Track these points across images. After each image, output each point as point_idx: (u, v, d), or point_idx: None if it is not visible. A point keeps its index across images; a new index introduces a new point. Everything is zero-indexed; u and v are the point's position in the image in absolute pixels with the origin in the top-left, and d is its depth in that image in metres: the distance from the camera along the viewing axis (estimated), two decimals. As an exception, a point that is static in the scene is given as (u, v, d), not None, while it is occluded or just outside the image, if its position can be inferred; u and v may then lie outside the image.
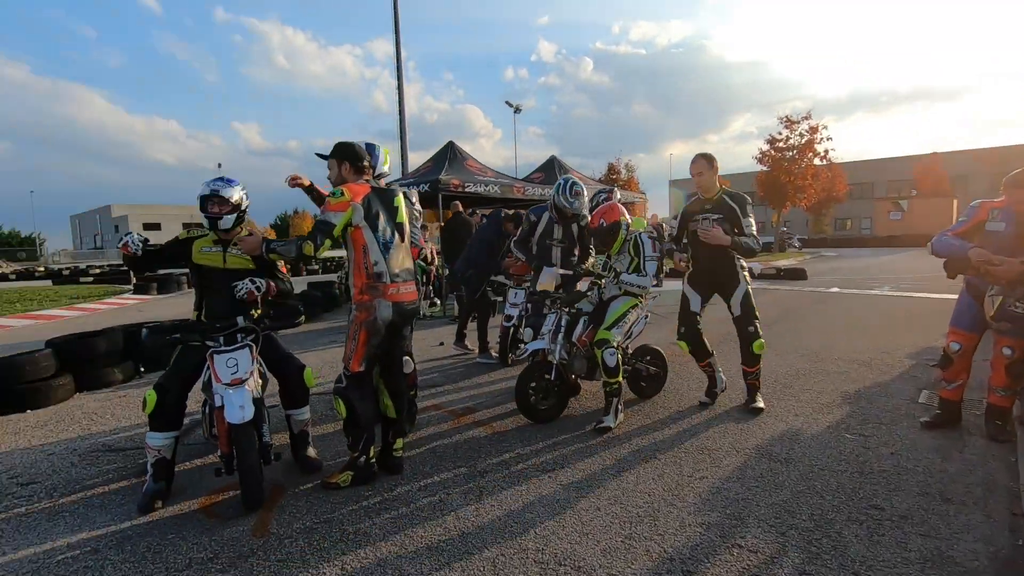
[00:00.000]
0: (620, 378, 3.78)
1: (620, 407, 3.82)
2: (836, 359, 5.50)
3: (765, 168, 28.95)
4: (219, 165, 64.25)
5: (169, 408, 2.82)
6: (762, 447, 3.35)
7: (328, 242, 2.75)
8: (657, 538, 2.41)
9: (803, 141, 27.66)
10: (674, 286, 13.74)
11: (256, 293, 2.98)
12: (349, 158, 2.98)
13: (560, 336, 3.92)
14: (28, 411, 4.49)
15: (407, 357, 3.80)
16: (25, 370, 4.57)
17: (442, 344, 6.80)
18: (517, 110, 38.45)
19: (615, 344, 3.77)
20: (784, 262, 19.99)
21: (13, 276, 29.14)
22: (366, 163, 3.03)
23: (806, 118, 27.56)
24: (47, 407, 4.60)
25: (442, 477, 3.06)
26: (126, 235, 2.96)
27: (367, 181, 3.01)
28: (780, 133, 28.14)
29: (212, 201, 3.00)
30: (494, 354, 5.78)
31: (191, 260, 3.09)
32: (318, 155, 3.11)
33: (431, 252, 10.28)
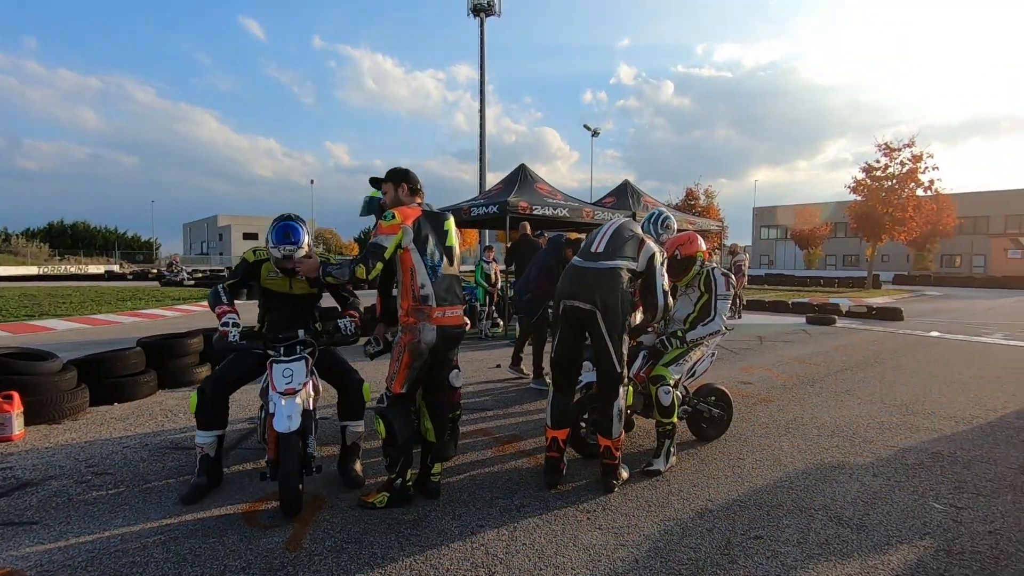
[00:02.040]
0: (675, 419, 3.56)
1: (673, 450, 3.59)
2: (929, 414, 4.91)
3: (859, 198, 27.02)
4: (312, 182, 69.08)
5: (209, 408, 2.98)
6: (831, 508, 3.02)
7: (380, 265, 2.80)
8: (697, 602, 2.20)
9: (904, 170, 25.59)
10: (754, 320, 13.11)
11: (358, 322, 3.21)
12: (406, 180, 3.05)
13: None
14: (115, 404, 4.90)
15: (456, 370, 3.81)
16: (116, 366, 4.99)
17: (498, 367, 6.77)
18: (595, 133, 38.56)
19: (672, 382, 3.56)
20: (877, 300, 18.42)
21: (130, 276, 32.52)
22: (420, 185, 3.08)
23: (908, 145, 25.54)
24: (132, 401, 5.00)
25: (477, 507, 2.99)
26: (228, 324, 2.99)
27: (419, 204, 3.05)
28: (878, 161, 26.24)
29: (287, 261, 3.10)
30: (548, 381, 5.64)
31: (259, 282, 3.27)
32: (372, 180, 3.20)
33: (495, 273, 10.38)
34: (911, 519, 2.92)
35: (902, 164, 25.66)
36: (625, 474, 3.34)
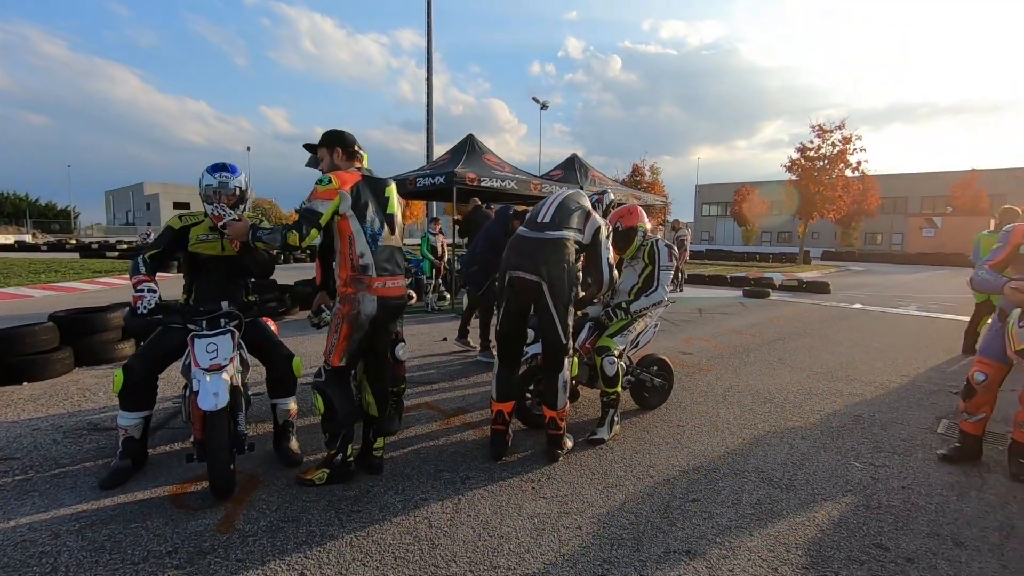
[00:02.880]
0: (619, 388, 3.61)
1: (617, 419, 3.65)
2: (852, 380, 5.24)
3: (794, 177, 28.26)
4: (248, 149, 65.19)
5: (136, 388, 2.77)
6: (763, 471, 3.16)
7: (315, 231, 2.64)
8: (638, 565, 2.25)
9: (835, 151, 26.90)
10: (695, 293, 13.49)
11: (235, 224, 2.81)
12: (340, 144, 2.87)
13: None
14: (24, 384, 4.50)
15: (401, 343, 3.69)
16: (24, 342, 4.57)
17: (445, 339, 6.70)
18: (544, 107, 38.21)
19: (616, 353, 3.60)
20: (807, 274, 19.47)
21: (44, 247, 29.99)
22: (357, 147, 2.92)
23: (839, 127, 26.80)
24: (44, 381, 4.61)
25: (422, 481, 2.94)
26: (143, 291, 2.79)
27: (359, 169, 2.89)
28: (812, 142, 27.42)
29: (221, 194, 2.92)
30: (495, 353, 5.65)
31: (187, 248, 3.02)
32: (306, 146, 3.00)
33: (441, 245, 10.20)
34: (835, 478, 3.10)
35: (833, 145, 26.94)
36: (570, 443, 3.37)
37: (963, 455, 3.34)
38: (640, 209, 4.04)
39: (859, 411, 4.30)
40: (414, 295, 8.86)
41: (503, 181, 10.32)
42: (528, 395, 3.72)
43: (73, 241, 33.30)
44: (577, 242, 3.26)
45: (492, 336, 5.92)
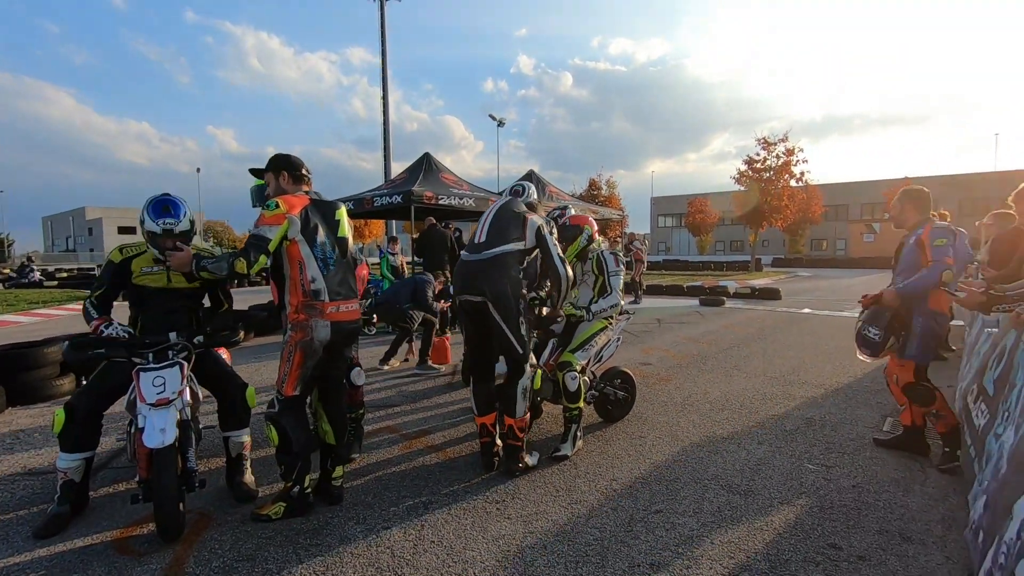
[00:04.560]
0: (581, 404, 3.64)
1: (580, 434, 3.67)
2: (803, 383, 5.43)
3: (743, 188, 29.38)
4: (198, 170, 63.17)
5: (78, 428, 2.61)
6: (722, 477, 3.23)
7: (264, 258, 2.57)
8: (603, 581, 2.26)
9: (780, 163, 28.15)
10: (653, 303, 13.70)
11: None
12: (287, 167, 2.82)
13: None
14: (-50, 427, 4.18)
15: (357, 368, 3.63)
16: (-51, 383, 4.26)
17: (407, 360, 6.62)
18: (500, 124, 38.62)
19: (578, 368, 3.64)
20: (759, 282, 20.18)
21: (-27, 278, 28.10)
22: (305, 171, 2.88)
23: (783, 140, 28.09)
24: (-28, 423, 4.30)
25: (383, 508, 2.87)
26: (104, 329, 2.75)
27: (307, 192, 2.85)
28: (758, 154, 28.62)
29: (167, 238, 2.79)
30: (431, 363, 6.07)
31: (130, 280, 2.89)
32: (252, 171, 2.94)
33: (401, 264, 10.11)
34: (790, 480, 3.20)
35: (777, 157, 28.19)
36: (531, 461, 3.37)
37: (900, 443, 3.64)
38: (591, 219, 4.15)
39: (811, 413, 4.46)
40: (376, 318, 8.79)
41: (461, 199, 10.35)
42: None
43: (7, 270, 31.37)
44: (520, 250, 3.30)
45: (455, 357, 6.01)
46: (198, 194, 65.67)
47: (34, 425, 4.27)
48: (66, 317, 11.47)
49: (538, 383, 3.57)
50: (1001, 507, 1.96)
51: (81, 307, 2.84)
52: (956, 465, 3.25)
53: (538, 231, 3.34)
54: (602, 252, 4.02)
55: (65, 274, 26.90)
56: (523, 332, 3.24)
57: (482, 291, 3.15)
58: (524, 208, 3.43)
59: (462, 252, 3.43)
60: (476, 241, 3.33)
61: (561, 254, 3.45)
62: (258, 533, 2.62)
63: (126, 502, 2.89)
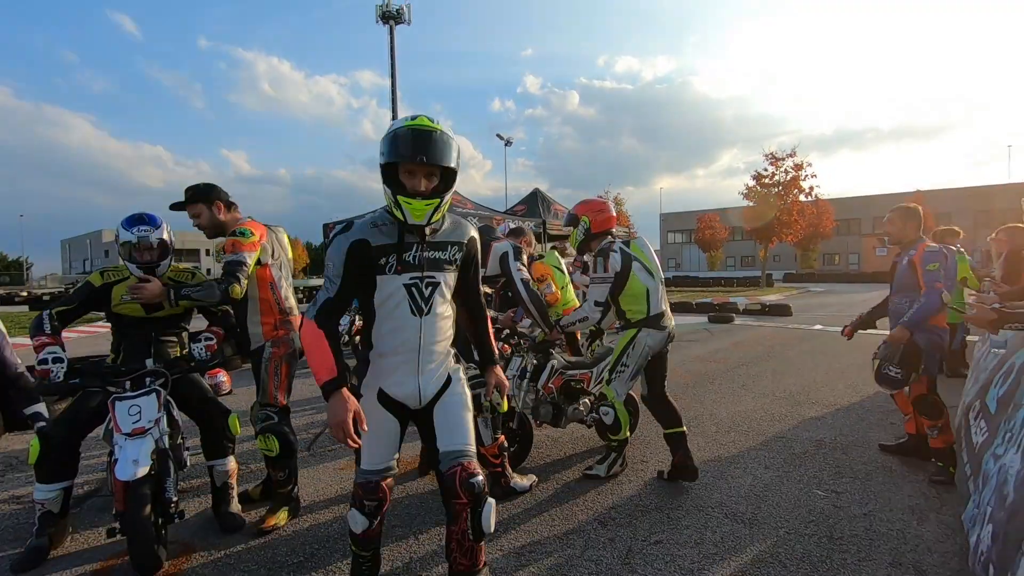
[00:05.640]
0: (625, 434, 3.53)
1: (621, 462, 3.59)
2: (813, 403, 5.27)
3: (751, 203, 29.23)
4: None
5: (54, 458, 2.55)
6: (726, 505, 3.10)
7: (245, 283, 2.67)
8: (596, 619, 2.13)
9: (788, 178, 28.01)
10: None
11: (214, 348, 2.98)
12: (219, 197, 2.92)
13: (525, 382, 3.70)
14: (-56, 454, 4.16)
15: None
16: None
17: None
18: (508, 143, 38.96)
19: (614, 402, 3.46)
20: (769, 298, 19.92)
21: (-9, 301, 28.52)
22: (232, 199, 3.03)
23: (791, 155, 27.99)
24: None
25: (372, 539, 2.77)
26: (47, 362, 2.60)
27: (250, 218, 3.00)
28: (766, 170, 28.52)
29: (140, 248, 2.79)
30: None
31: (110, 308, 2.86)
32: (174, 207, 2.93)
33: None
34: (797, 508, 3.05)
35: (786, 172, 28.07)
36: (523, 484, 3.28)
37: (906, 449, 3.71)
38: (607, 206, 3.65)
39: (821, 435, 4.31)
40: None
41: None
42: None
43: (24, 293, 31.84)
44: (484, 279, 3.24)
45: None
46: (211, 216, 66.44)
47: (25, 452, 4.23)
48: (74, 339, 11.55)
49: (504, 407, 3.29)
50: (1013, 539, 1.83)
51: (43, 320, 2.72)
52: (948, 480, 3.26)
53: (503, 257, 3.48)
54: (600, 252, 3.47)
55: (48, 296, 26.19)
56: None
57: None
58: (488, 238, 3.54)
59: None
60: None
61: (526, 277, 3.49)
62: (240, 566, 2.53)
63: (101, 533, 2.82)
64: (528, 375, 3.71)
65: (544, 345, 3.90)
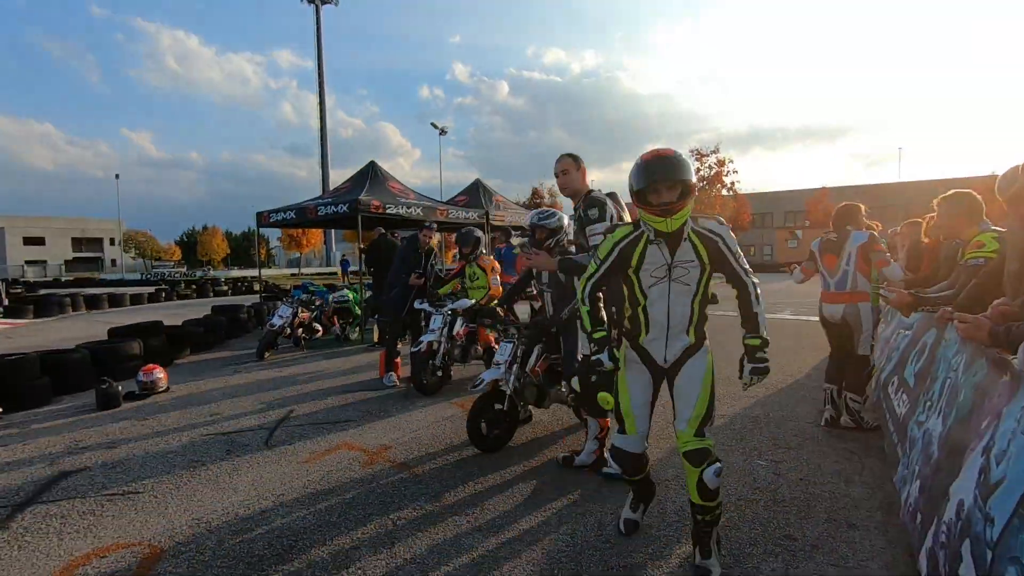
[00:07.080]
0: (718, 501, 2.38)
1: (719, 541, 2.46)
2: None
3: (679, 197, 30.68)
4: (117, 176, 59.29)
5: None
6: (681, 478, 3.35)
7: None
8: (580, 586, 2.29)
9: (712, 173, 29.66)
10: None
11: None
12: None
13: (515, 366, 3.83)
14: None
15: None
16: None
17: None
18: (443, 132, 38.51)
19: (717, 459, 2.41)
20: (697, 286, 21.03)
21: None
22: None
23: (714, 152, 29.63)
24: None
25: (350, 528, 2.79)
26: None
27: None
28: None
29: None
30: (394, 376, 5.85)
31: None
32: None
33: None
34: (744, 476, 3.36)
35: (710, 168, 29.71)
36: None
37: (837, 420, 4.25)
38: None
39: (756, 412, 4.71)
40: (319, 329, 8.48)
41: (408, 208, 10.23)
42: (483, 422, 3.79)
43: None
44: None
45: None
46: (117, 202, 61.44)
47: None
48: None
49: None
50: (938, 490, 2.15)
51: None
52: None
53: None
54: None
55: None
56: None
57: None
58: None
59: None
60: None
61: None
62: (217, 563, 2.48)
63: (62, 537, 2.67)
64: (519, 360, 3.84)
65: (537, 336, 3.95)
